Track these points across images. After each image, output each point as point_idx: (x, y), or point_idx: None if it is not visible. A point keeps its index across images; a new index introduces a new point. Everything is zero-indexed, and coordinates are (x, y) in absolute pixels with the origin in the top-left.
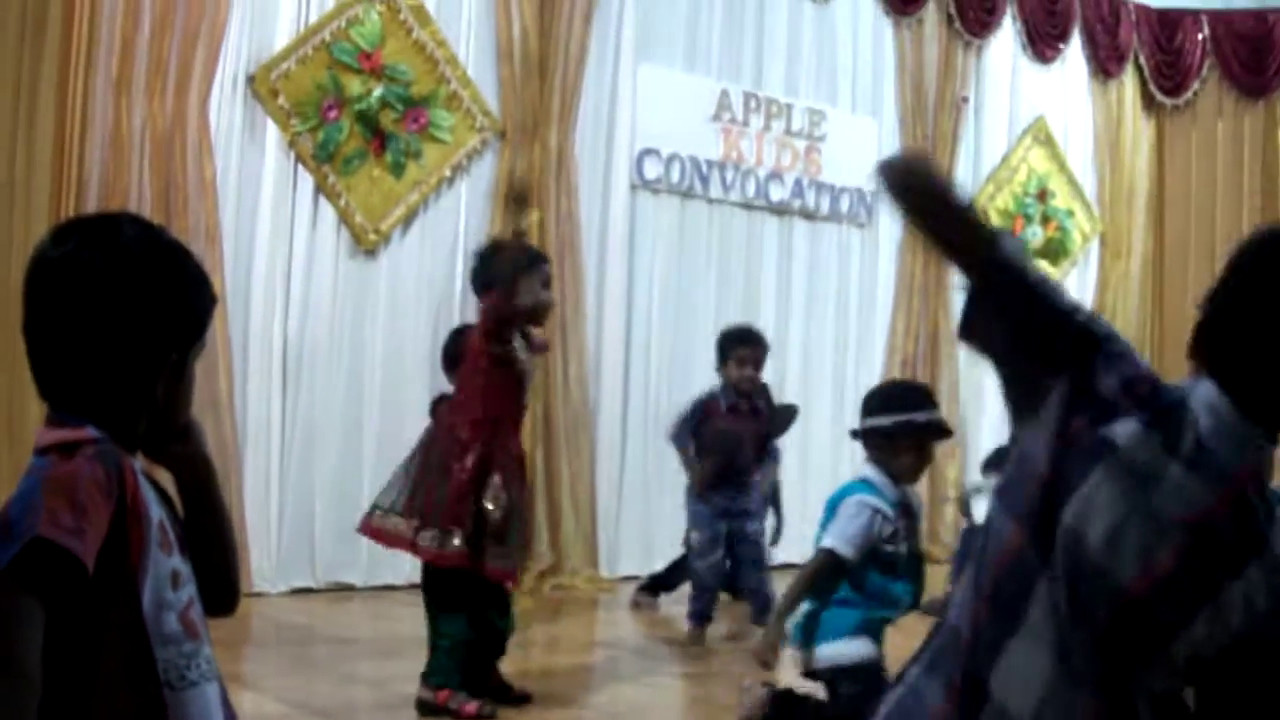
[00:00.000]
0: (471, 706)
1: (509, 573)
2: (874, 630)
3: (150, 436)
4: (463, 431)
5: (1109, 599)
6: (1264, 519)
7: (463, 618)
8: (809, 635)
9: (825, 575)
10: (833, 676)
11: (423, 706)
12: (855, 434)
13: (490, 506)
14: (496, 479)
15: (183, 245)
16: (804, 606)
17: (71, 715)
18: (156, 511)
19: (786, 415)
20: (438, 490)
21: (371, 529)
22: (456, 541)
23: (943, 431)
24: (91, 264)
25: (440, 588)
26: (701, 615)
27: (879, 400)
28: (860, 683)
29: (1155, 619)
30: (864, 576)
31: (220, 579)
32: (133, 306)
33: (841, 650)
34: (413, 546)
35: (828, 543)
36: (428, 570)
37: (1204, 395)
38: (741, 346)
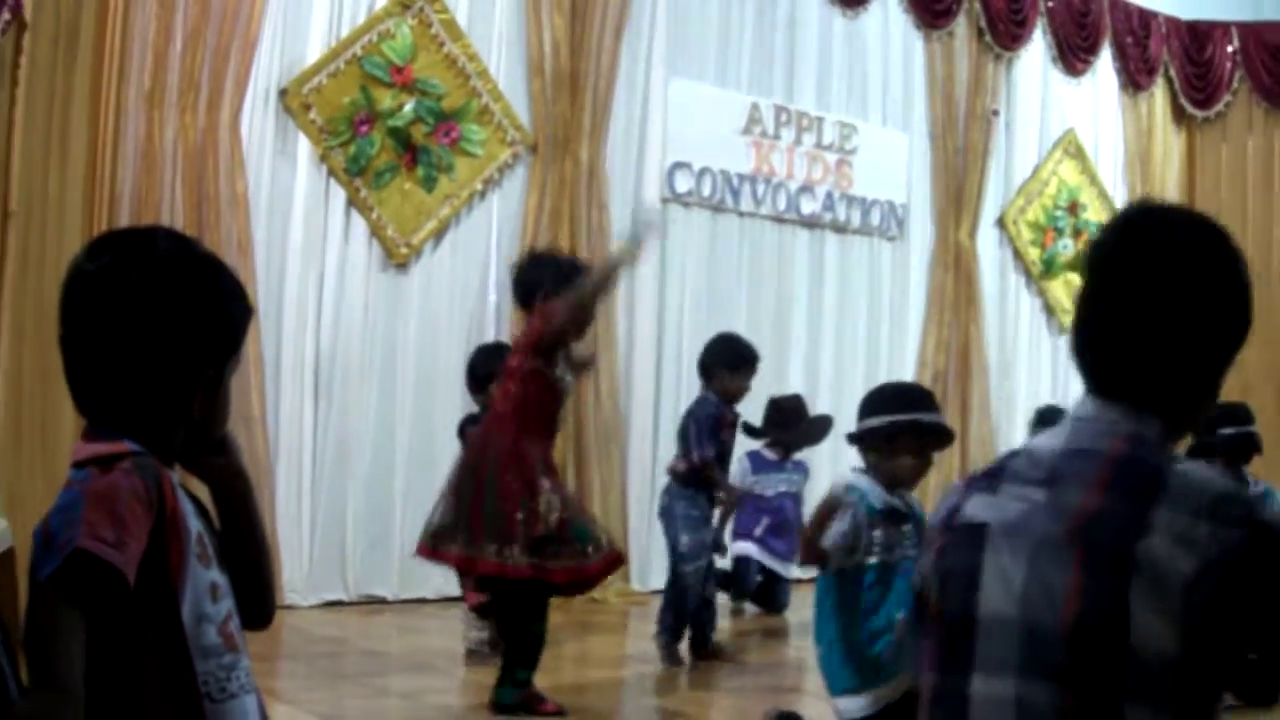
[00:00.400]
0: (550, 705)
1: (580, 569)
2: (875, 667)
3: (187, 450)
4: (504, 442)
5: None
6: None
7: (541, 619)
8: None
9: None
10: None
11: (511, 707)
12: (852, 438)
13: (545, 511)
14: (546, 484)
15: (218, 258)
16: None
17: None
18: (195, 524)
19: (822, 426)
20: (486, 505)
21: (430, 552)
22: (517, 552)
23: (945, 436)
24: (128, 278)
25: (513, 598)
26: (674, 630)
27: (878, 400)
28: None
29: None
30: (853, 595)
31: (256, 593)
32: (169, 320)
33: (841, 707)
34: (473, 563)
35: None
36: (496, 584)
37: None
38: (746, 359)
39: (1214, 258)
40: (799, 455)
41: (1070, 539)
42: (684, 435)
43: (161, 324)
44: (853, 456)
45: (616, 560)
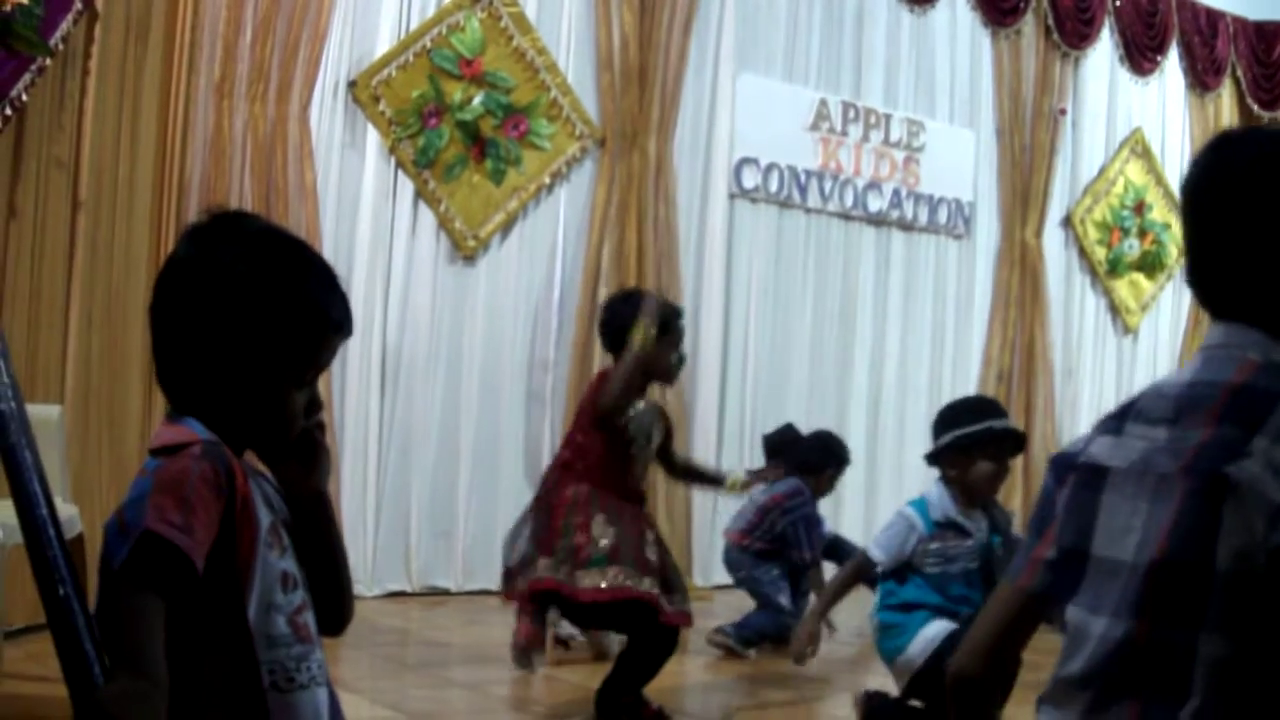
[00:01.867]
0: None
1: (597, 591)
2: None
3: (268, 449)
4: (567, 488)
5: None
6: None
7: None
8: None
9: (855, 575)
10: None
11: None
12: (930, 459)
13: (595, 534)
14: (601, 516)
15: (320, 258)
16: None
17: (179, 710)
18: (266, 514)
19: (832, 445)
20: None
21: (515, 594)
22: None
23: (1018, 440)
24: (221, 262)
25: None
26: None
27: (948, 417)
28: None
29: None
30: (904, 587)
31: (331, 599)
32: (253, 305)
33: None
34: (557, 584)
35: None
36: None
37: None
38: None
39: None
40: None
41: (1180, 472)
42: (768, 515)
43: (251, 315)
44: (915, 456)
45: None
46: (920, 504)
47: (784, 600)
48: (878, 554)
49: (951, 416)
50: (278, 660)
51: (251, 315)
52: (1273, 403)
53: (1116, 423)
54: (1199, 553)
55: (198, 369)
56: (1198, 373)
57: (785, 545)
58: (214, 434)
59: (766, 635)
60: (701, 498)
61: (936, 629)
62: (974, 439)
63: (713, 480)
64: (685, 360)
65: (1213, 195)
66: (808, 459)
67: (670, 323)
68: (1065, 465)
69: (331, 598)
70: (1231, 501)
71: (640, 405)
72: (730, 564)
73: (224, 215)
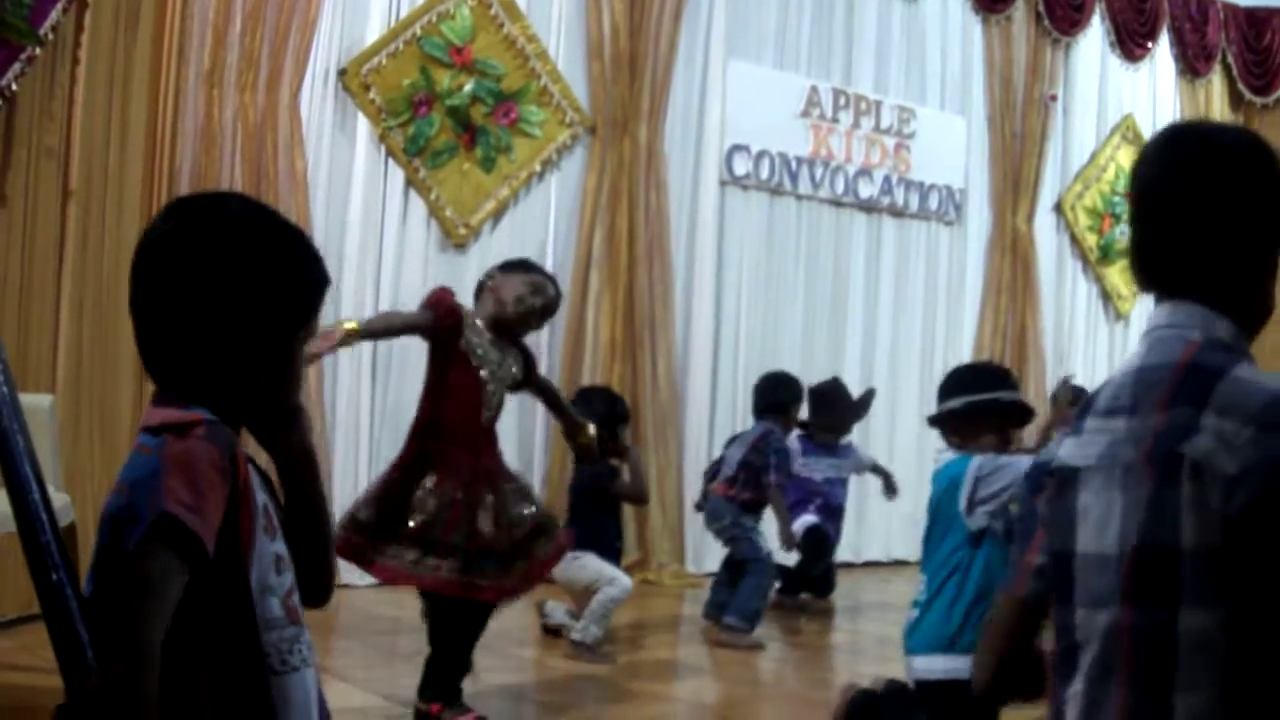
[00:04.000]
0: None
1: (390, 570)
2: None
3: (258, 421)
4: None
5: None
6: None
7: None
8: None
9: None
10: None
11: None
12: (933, 421)
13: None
14: (428, 482)
15: (292, 224)
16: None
17: (179, 695)
18: (261, 495)
19: (865, 400)
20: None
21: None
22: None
23: (1024, 413)
24: (200, 239)
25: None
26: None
27: (957, 382)
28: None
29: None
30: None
31: (316, 569)
32: (240, 282)
33: (922, 667)
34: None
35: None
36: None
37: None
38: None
39: (1247, 151)
40: (848, 440)
41: (1144, 461)
42: (750, 464)
43: (233, 286)
44: (906, 442)
45: (390, 578)
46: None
47: (763, 547)
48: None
49: (959, 382)
50: (273, 643)
51: (256, 281)
52: (1215, 378)
53: (1078, 422)
54: (1168, 534)
55: (197, 344)
56: (1145, 358)
57: (763, 484)
58: (208, 413)
59: (763, 601)
60: (694, 490)
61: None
62: (979, 409)
63: (567, 424)
64: (529, 305)
65: (1164, 181)
66: (771, 400)
67: (513, 265)
68: (1039, 473)
69: (316, 567)
70: (1189, 479)
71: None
72: (713, 514)
73: (194, 195)
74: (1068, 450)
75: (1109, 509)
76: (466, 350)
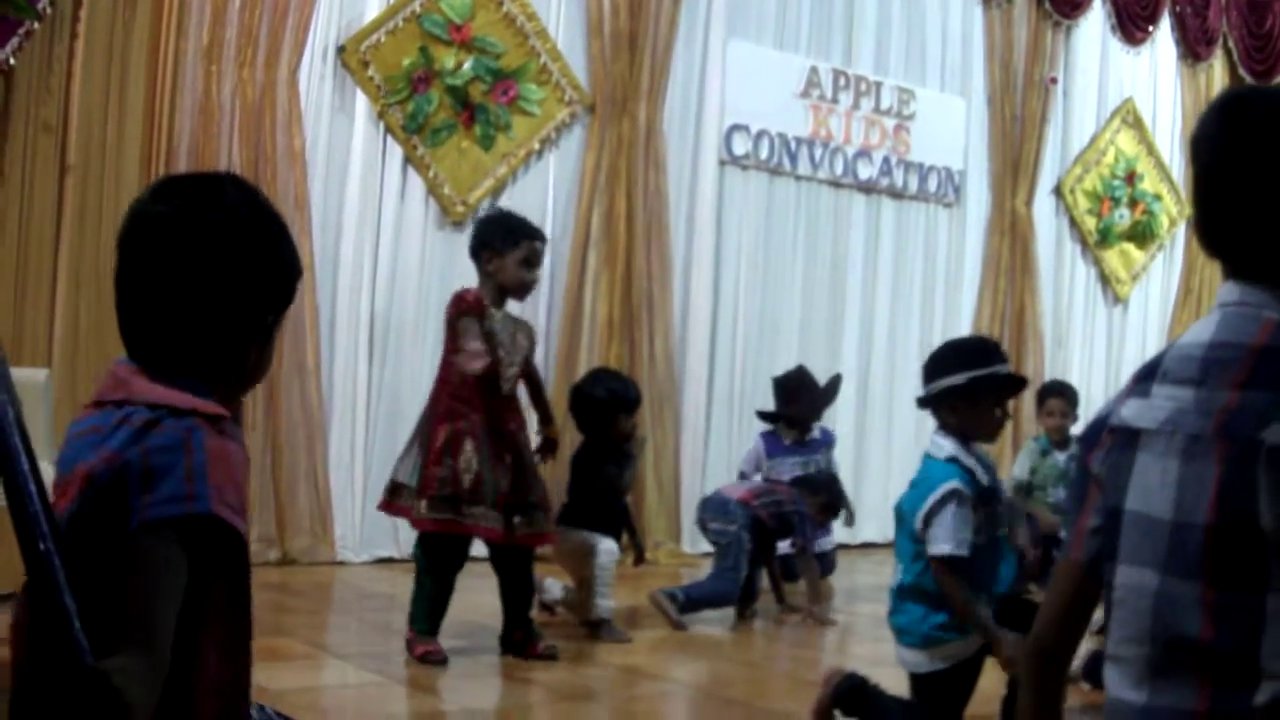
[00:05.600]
0: (420, 649)
1: (491, 531)
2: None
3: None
4: (439, 404)
5: None
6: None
7: (443, 576)
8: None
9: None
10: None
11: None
12: (926, 401)
13: (461, 470)
14: (469, 446)
15: (276, 211)
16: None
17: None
18: None
19: (832, 386)
20: (419, 460)
21: (389, 505)
22: (424, 506)
23: (1020, 385)
24: (205, 221)
25: (424, 548)
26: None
27: (952, 358)
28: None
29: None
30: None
31: None
32: (239, 266)
33: (911, 660)
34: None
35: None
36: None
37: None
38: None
39: None
40: (819, 427)
41: (1215, 435)
42: (783, 510)
43: (231, 270)
44: (905, 424)
45: (493, 536)
46: (957, 472)
47: (743, 568)
48: (963, 551)
49: (955, 358)
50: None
51: (250, 268)
52: None
53: (1144, 385)
54: (1247, 516)
55: (189, 325)
56: (1217, 333)
57: (786, 526)
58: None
59: (710, 605)
60: (690, 469)
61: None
62: (981, 384)
63: (542, 414)
64: (530, 280)
65: (1227, 154)
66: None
67: (516, 236)
68: (1095, 431)
69: None
70: (1267, 465)
71: (499, 315)
72: (724, 512)
73: (188, 177)
74: (1130, 411)
75: (1165, 474)
76: (489, 333)
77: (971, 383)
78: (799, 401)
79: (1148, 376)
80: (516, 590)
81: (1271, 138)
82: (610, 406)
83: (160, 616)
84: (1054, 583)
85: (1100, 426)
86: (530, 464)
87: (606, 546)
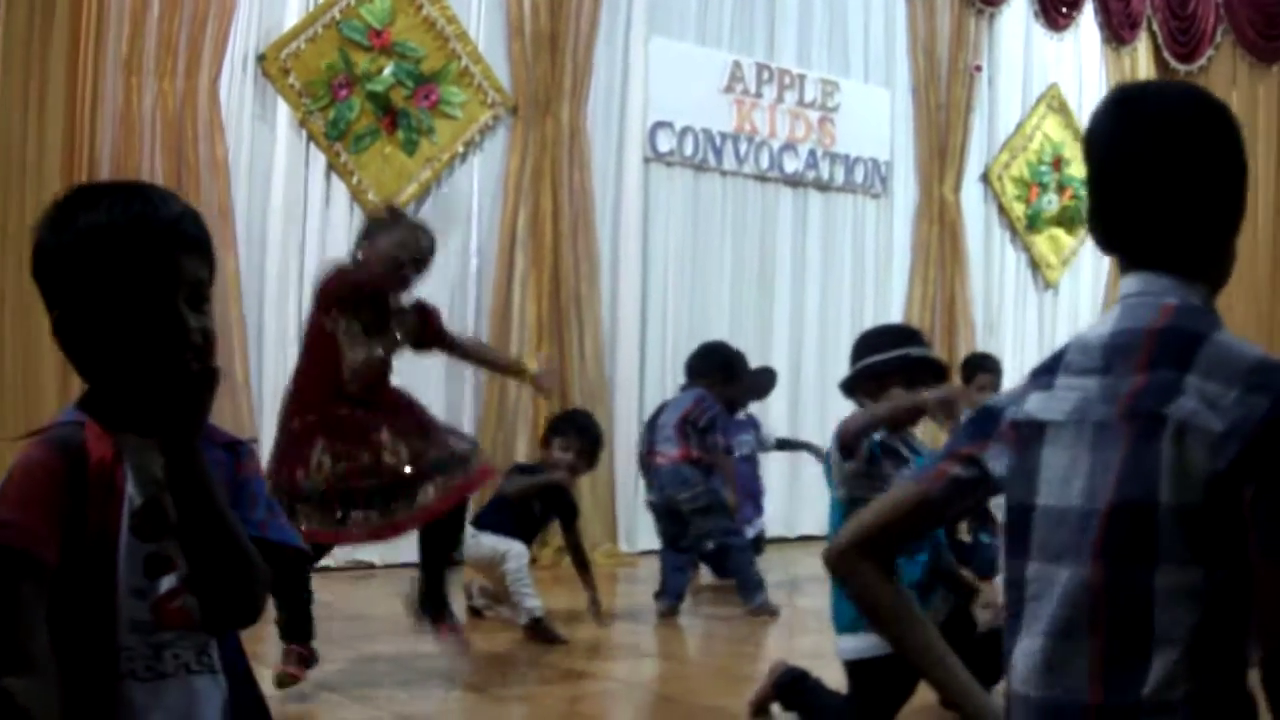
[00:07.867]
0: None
1: (321, 534)
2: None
3: (151, 425)
4: (291, 403)
5: None
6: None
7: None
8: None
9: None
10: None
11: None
12: (845, 387)
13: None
14: (320, 444)
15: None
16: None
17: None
18: (141, 493)
19: (766, 378)
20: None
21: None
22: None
23: (935, 369)
24: (51, 242)
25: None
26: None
27: (864, 344)
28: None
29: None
30: None
31: (221, 584)
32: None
33: (844, 646)
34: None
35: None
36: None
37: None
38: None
39: (1204, 113)
40: (747, 411)
41: (1121, 418)
42: (694, 424)
43: (95, 294)
44: (839, 415)
45: (323, 540)
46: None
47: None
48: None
49: (866, 344)
50: (136, 647)
51: (96, 259)
52: (1197, 341)
53: (1047, 377)
54: (1146, 492)
55: (80, 332)
56: (1119, 321)
57: (709, 446)
58: (86, 413)
59: (754, 568)
60: (626, 468)
61: None
62: (889, 367)
63: (509, 368)
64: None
65: (1123, 149)
66: (700, 368)
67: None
68: (985, 420)
69: (222, 583)
70: (1171, 439)
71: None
72: (681, 481)
73: (64, 199)
74: (1035, 404)
75: (1075, 465)
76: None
77: (879, 365)
78: (734, 382)
79: (1049, 370)
80: (435, 554)
81: (1166, 130)
82: (550, 430)
83: (27, 640)
84: (888, 498)
85: (991, 416)
86: (419, 425)
87: (515, 551)
